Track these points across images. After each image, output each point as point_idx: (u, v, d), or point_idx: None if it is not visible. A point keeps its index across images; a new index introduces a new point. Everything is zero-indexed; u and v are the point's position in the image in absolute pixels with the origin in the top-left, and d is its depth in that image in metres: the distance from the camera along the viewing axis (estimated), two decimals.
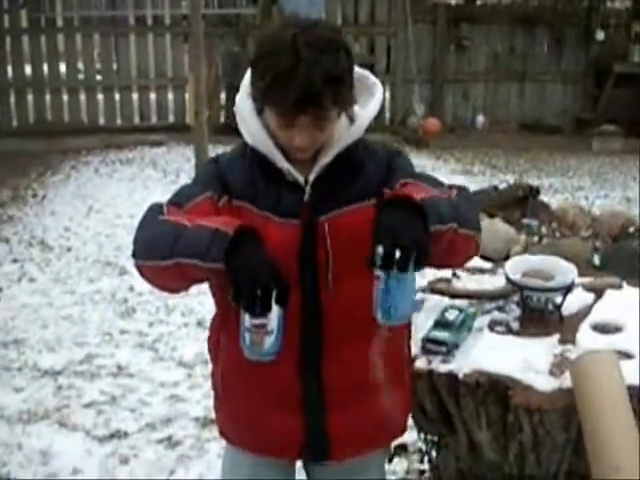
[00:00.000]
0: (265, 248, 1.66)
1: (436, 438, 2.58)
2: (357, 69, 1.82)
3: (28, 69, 10.65)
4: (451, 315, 2.31)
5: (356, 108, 1.84)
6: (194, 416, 3.83)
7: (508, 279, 2.48)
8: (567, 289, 2.40)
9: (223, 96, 10.59)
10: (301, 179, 1.81)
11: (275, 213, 1.80)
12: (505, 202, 6.24)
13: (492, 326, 2.40)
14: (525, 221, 5.74)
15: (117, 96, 10.83)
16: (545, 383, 2.08)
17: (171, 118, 10.91)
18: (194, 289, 1.83)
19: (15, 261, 6.07)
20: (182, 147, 9.66)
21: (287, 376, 1.85)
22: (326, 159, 1.81)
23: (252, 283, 1.57)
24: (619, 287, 2.67)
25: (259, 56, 1.72)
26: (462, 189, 1.87)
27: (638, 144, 9.66)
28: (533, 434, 2.04)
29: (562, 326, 2.39)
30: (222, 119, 10.49)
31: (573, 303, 2.47)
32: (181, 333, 4.80)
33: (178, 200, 1.83)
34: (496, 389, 2.08)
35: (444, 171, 9.04)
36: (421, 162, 9.11)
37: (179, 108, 10.58)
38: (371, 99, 1.87)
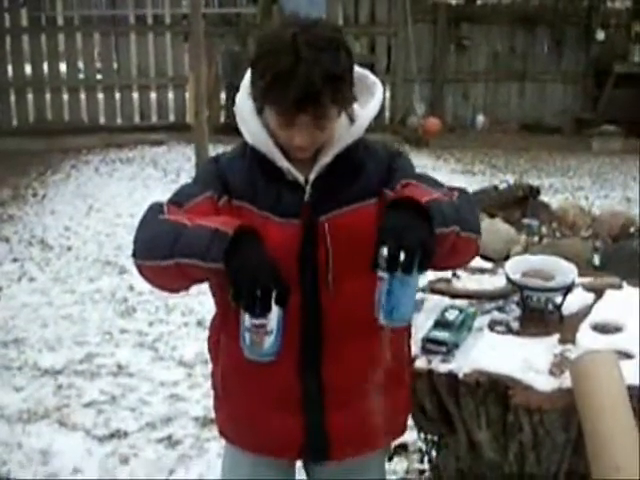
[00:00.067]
0: (265, 248, 1.66)
1: (436, 438, 2.58)
2: (357, 69, 1.82)
3: (28, 68, 10.65)
4: (451, 315, 2.31)
5: (356, 108, 1.84)
6: (194, 415, 3.83)
7: (508, 279, 2.48)
8: (567, 289, 2.40)
9: (223, 95, 10.59)
10: (301, 179, 1.81)
11: (275, 213, 1.80)
12: (505, 202, 6.24)
13: (492, 326, 2.41)
14: (525, 221, 5.73)
15: (117, 95, 10.83)
16: (545, 383, 2.08)
17: (171, 117, 10.91)
18: (194, 289, 1.83)
19: (15, 260, 6.07)
20: (182, 146, 9.66)
21: (287, 376, 1.85)
22: (326, 159, 1.81)
23: (252, 283, 1.57)
24: (619, 287, 2.67)
25: (259, 55, 1.72)
26: (462, 191, 1.88)
27: (638, 144, 9.66)
28: (533, 434, 2.04)
29: (562, 326, 2.39)
30: (222, 118, 10.49)
31: (573, 303, 2.47)
32: (181, 332, 4.80)
33: (178, 200, 1.83)
34: (496, 389, 2.09)
35: (444, 171, 9.04)
36: (421, 162, 9.11)
37: (179, 107, 10.58)
38: (371, 99, 1.87)
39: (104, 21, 10.64)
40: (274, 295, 1.59)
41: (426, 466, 2.89)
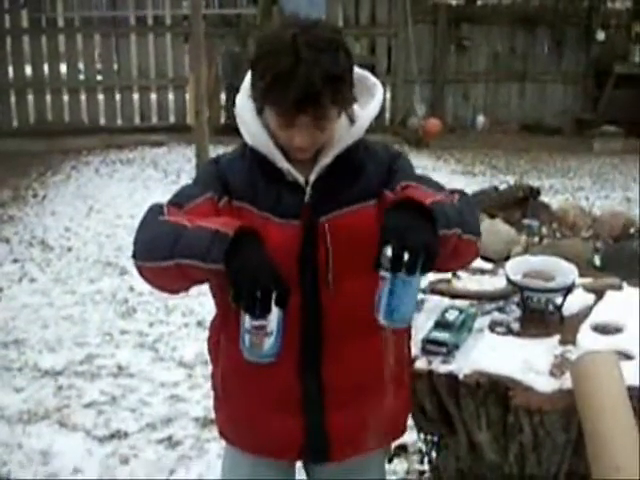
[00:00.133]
0: (265, 249, 1.66)
1: (436, 439, 2.57)
2: (357, 70, 1.82)
3: (29, 69, 10.66)
4: (451, 316, 2.31)
5: (356, 109, 1.84)
6: (194, 416, 3.83)
7: (508, 280, 2.48)
8: (567, 290, 2.40)
9: (223, 96, 10.59)
10: (301, 179, 1.81)
11: (275, 214, 1.80)
12: (505, 203, 6.23)
13: (492, 327, 2.40)
14: (525, 222, 5.72)
15: (118, 96, 10.83)
16: (545, 384, 2.08)
17: (172, 118, 10.91)
18: (194, 289, 1.83)
19: (16, 261, 6.07)
20: (183, 147, 9.66)
21: (287, 377, 1.85)
22: (326, 159, 1.81)
23: (252, 284, 1.57)
24: (619, 288, 2.67)
25: (259, 56, 1.72)
26: (462, 193, 1.88)
27: (638, 145, 9.66)
28: (533, 435, 2.04)
29: (562, 327, 2.39)
30: (223, 119, 10.49)
31: (574, 304, 2.47)
32: (181, 333, 4.80)
33: (178, 201, 1.83)
34: (496, 390, 2.08)
35: (444, 172, 9.05)
36: (421, 162, 9.11)
37: (180, 108, 10.59)
38: (371, 100, 1.87)
39: (104, 22, 10.64)
40: (274, 296, 1.59)
41: (426, 467, 2.89)
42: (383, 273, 1.63)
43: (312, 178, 1.81)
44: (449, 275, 2.74)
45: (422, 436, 2.63)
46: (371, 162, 1.87)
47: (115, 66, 10.87)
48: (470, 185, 7.93)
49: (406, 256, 1.58)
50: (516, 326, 2.40)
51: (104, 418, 3.82)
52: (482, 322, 2.41)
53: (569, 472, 2.13)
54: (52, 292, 5.46)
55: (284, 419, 1.89)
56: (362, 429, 1.93)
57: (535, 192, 6.37)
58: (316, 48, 1.66)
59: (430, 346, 2.23)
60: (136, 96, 10.89)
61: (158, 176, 8.68)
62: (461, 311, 2.35)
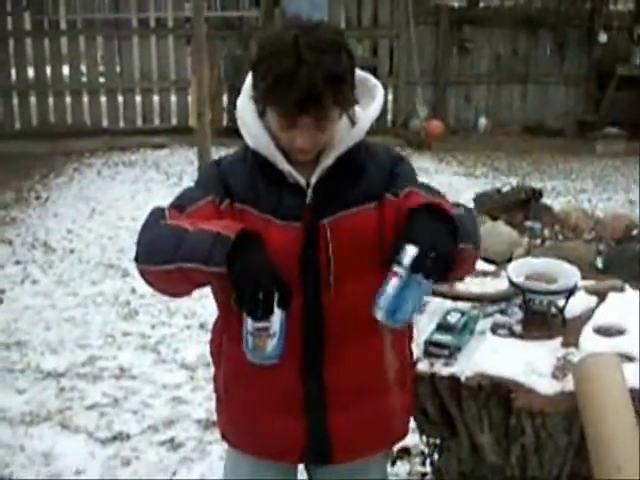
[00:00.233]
0: (267, 251, 1.66)
1: (438, 441, 2.57)
2: (358, 72, 1.82)
3: (31, 71, 10.65)
4: (453, 318, 2.31)
5: (357, 110, 1.84)
6: (196, 418, 3.83)
7: (511, 282, 2.48)
8: (570, 292, 2.40)
9: (225, 99, 10.59)
10: (303, 181, 1.81)
11: (276, 216, 1.80)
12: (508, 205, 6.22)
13: (494, 329, 2.40)
14: (528, 224, 5.72)
15: (120, 98, 10.83)
16: (548, 386, 2.08)
17: (174, 120, 10.90)
18: (196, 292, 1.83)
19: (18, 263, 6.07)
20: (185, 149, 9.67)
21: (289, 379, 1.85)
22: (328, 161, 1.81)
23: (254, 287, 1.58)
24: (622, 290, 2.67)
25: (260, 57, 1.73)
26: (465, 207, 1.89)
27: None
28: (535, 437, 2.04)
29: (565, 329, 2.38)
30: (225, 121, 10.49)
31: (576, 306, 2.47)
32: (183, 335, 4.80)
33: (180, 204, 1.83)
34: (498, 392, 2.08)
35: (447, 173, 9.05)
36: (423, 164, 9.12)
37: (182, 110, 10.59)
38: (372, 101, 1.88)
39: (107, 24, 10.64)
40: (276, 298, 1.59)
41: (428, 469, 2.89)
42: (398, 269, 1.62)
43: (313, 180, 1.81)
44: None
45: (424, 438, 2.63)
46: (372, 164, 1.88)
47: (117, 68, 10.86)
48: (472, 187, 7.93)
49: (429, 260, 1.59)
50: (518, 328, 2.40)
51: (106, 420, 3.83)
52: (484, 324, 2.41)
53: (571, 474, 2.13)
54: (54, 294, 5.46)
55: (286, 421, 1.89)
56: (364, 430, 1.93)
57: (537, 194, 6.36)
58: (318, 49, 1.66)
59: (432, 348, 2.23)
60: (138, 98, 10.89)
61: (160, 178, 8.69)
62: (463, 313, 2.34)
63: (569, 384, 2.05)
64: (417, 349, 2.21)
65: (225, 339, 1.93)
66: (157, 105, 10.90)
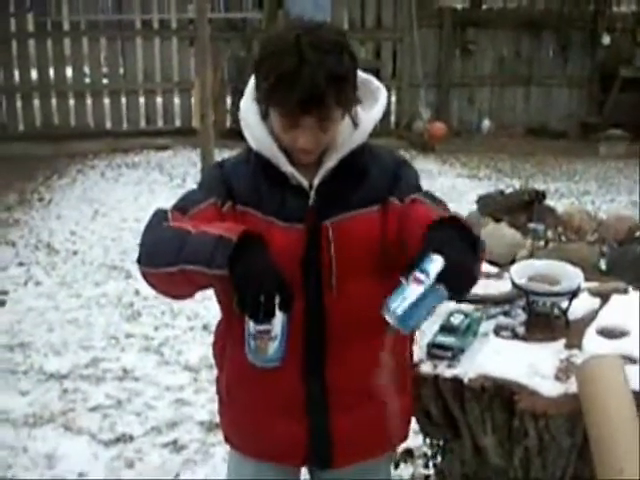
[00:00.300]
0: (269, 254, 1.66)
1: (441, 443, 2.57)
2: (361, 74, 1.83)
3: (34, 73, 10.66)
4: (456, 320, 2.31)
5: (360, 112, 1.84)
6: (199, 420, 3.83)
7: (514, 284, 2.48)
8: (573, 294, 2.40)
9: (229, 100, 10.60)
10: (305, 183, 1.82)
11: (279, 217, 1.80)
12: (511, 206, 6.23)
13: (498, 331, 2.40)
14: (531, 225, 5.72)
15: (123, 100, 10.83)
16: (551, 388, 2.07)
17: (177, 122, 10.91)
18: (199, 293, 1.83)
19: (21, 265, 6.08)
20: (188, 151, 9.67)
21: (291, 381, 1.85)
22: (330, 163, 1.81)
23: (256, 290, 1.57)
24: (625, 292, 2.66)
25: (263, 57, 1.73)
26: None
27: None
28: (538, 439, 2.04)
29: (568, 331, 2.38)
30: (228, 123, 10.49)
31: (579, 308, 2.47)
32: (187, 337, 4.80)
33: (183, 206, 1.83)
34: (501, 394, 2.08)
35: (450, 175, 9.05)
36: (427, 166, 9.12)
37: (185, 112, 10.60)
38: (375, 103, 1.88)
39: (110, 26, 10.65)
40: (278, 301, 1.59)
41: (431, 471, 2.89)
42: (422, 277, 1.61)
43: (316, 182, 1.82)
44: None
45: (427, 440, 2.63)
46: (375, 166, 1.88)
47: (121, 70, 10.87)
48: (475, 189, 7.93)
49: (455, 274, 1.59)
50: (521, 330, 2.40)
51: (109, 422, 3.83)
52: (487, 326, 2.41)
53: (574, 476, 2.13)
54: (57, 295, 5.47)
55: (288, 424, 1.89)
56: (366, 432, 1.93)
57: (540, 196, 6.37)
58: (320, 49, 1.66)
59: (435, 350, 2.23)
60: (142, 100, 10.90)
61: (163, 180, 8.69)
62: (466, 315, 2.34)
63: (572, 386, 2.05)
64: (420, 351, 2.21)
65: (228, 342, 1.93)
66: (160, 107, 10.91)
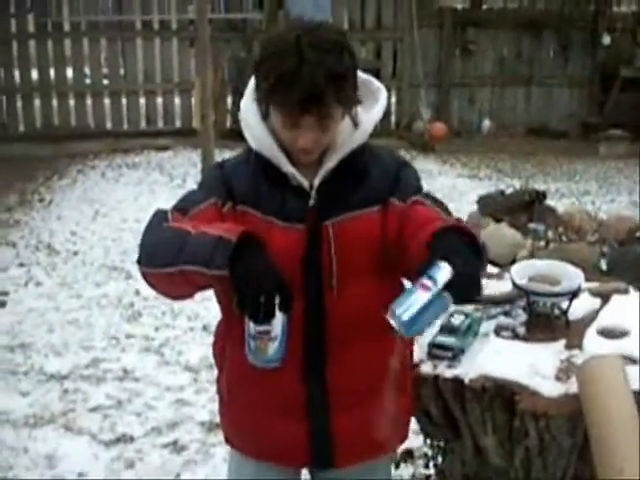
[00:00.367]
0: (269, 254, 1.66)
1: (442, 443, 2.57)
2: (361, 74, 1.83)
3: (35, 74, 10.65)
4: (457, 320, 2.31)
5: (360, 113, 1.84)
6: (200, 420, 3.83)
7: (514, 284, 2.48)
8: (573, 294, 2.40)
9: (229, 101, 10.60)
10: (306, 184, 1.82)
11: (279, 218, 1.80)
12: (511, 207, 6.24)
13: (498, 331, 2.40)
14: (531, 226, 5.72)
15: (124, 100, 10.83)
16: (551, 388, 2.07)
17: (178, 122, 10.91)
18: (199, 294, 1.83)
19: (22, 265, 6.08)
20: (188, 151, 9.67)
21: (291, 382, 1.85)
22: (331, 163, 1.81)
23: (256, 290, 1.57)
24: (625, 292, 2.66)
25: (263, 57, 1.73)
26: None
27: None
28: (539, 439, 2.04)
29: (568, 331, 2.38)
30: (228, 123, 10.49)
31: (579, 308, 2.47)
32: (187, 337, 4.80)
33: (183, 206, 1.84)
34: (502, 394, 2.08)
35: (450, 176, 9.05)
36: (427, 166, 9.12)
37: (185, 112, 10.59)
38: (375, 104, 1.88)
39: (111, 26, 10.65)
40: (278, 301, 1.59)
41: (432, 471, 2.89)
42: (430, 284, 1.60)
43: (316, 182, 1.82)
44: None
45: (428, 441, 2.63)
46: (376, 167, 1.88)
47: (121, 70, 10.86)
48: (476, 189, 7.93)
49: (462, 282, 1.59)
50: (522, 330, 2.40)
51: (110, 422, 3.83)
52: (488, 326, 2.41)
53: (575, 477, 2.13)
54: (58, 296, 5.47)
55: (289, 424, 1.89)
56: (366, 432, 1.93)
57: (541, 196, 6.37)
58: (320, 49, 1.67)
59: (436, 350, 2.23)
60: (142, 100, 10.89)
61: (164, 180, 8.69)
62: (467, 315, 2.34)
63: (573, 386, 2.05)
64: (421, 351, 2.21)
65: (228, 342, 1.93)
66: (161, 107, 10.91)
